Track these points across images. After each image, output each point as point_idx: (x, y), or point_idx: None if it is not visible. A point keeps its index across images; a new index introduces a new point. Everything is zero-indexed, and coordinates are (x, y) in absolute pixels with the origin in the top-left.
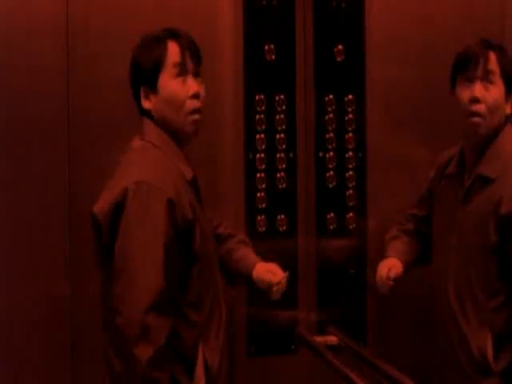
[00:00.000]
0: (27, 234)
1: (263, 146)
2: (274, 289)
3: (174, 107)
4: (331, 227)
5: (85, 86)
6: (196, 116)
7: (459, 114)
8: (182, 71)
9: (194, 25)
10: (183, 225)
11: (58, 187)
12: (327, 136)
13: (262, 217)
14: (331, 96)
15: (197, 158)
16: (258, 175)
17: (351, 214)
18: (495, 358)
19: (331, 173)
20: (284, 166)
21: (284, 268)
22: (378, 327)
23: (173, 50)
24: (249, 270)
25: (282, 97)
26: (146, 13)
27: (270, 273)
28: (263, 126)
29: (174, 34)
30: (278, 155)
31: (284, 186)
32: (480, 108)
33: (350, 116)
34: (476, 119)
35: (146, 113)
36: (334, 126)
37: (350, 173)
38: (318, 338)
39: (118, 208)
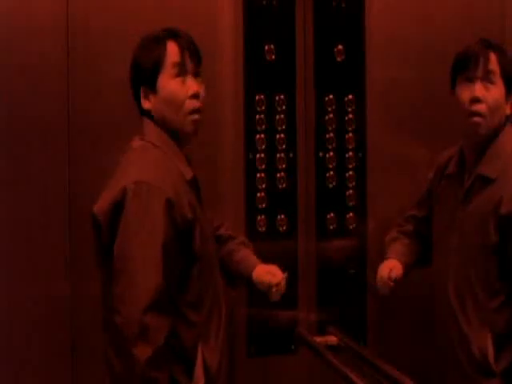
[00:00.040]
0: (27, 234)
1: (263, 146)
2: (273, 290)
3: (173, 107)
4: (331, 227)
5: (85, 85)
6: (195, 116)
7: (459, 113)
8: (181, 71)
9: (193, 25)
10: (182, 225)
11: (58, 187)
12: (327, 136)
13: (262, 217)
14: (331, 96)
15: (197, 158)
16: (258, 175)
17: (351, 214)
18: (496, 358)
19: (331, 173)
20: (284, 166)
21: (284, 268)
22: (377, 327)
23: (172, 50)
24: (249, 271)
25: (281, 97)
26: (146, 13)
27: (269, 274)
28: (263, 126)
29: (173, 34)
30: (277, 155)
31: (284, 186)
32: (480, 108)
33: (350, 116)
34: (476, 119)
35: (145, 113)
36: (334, 126)
37: (350, 173)
38: (318, 338)
39: (118, 208)
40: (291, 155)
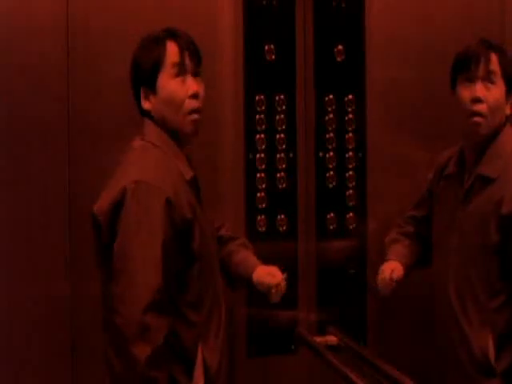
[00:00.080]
0: (27, 234)
1: (263, 146)
2: (273, 291)
3: (172, 107)
4: (331, 227)
5: (85, 85)
6: (195, 116)
7: (459, 114)
8: (180, 71)
9: (194, 25)
10: (182, 224)
11: (58, 187)
12: (327, 136)
13: (262, 217)
14: (331, 96)
15: (197, 158)
16: (258, 175)
17: (351, 214)
18: (496, 358)
19: (331, 173)
20: (284, 166)
21: (284, 268)
22: (377, 327)
23: (172, 50)
24: (249, 272)
25: (282, 97)
26: (146, 13)
27: (269, 275)
28: (263, 126)
29: (173, 34)
30: (277, 155)
31: (284, 186)
32: (481, 108)
33: (350, 116)
34: (477, 119)
35: (146, 113)
36: (334, 126)
37: (350, 173)
38: (318, 338)
39: (117, 207)
40: (291, 155)
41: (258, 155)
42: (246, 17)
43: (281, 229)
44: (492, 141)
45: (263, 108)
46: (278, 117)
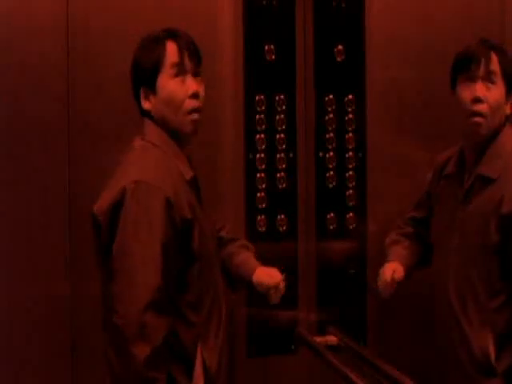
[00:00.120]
0: (27, 234)
1: (263, 146)
2: (272, 292)
3: (172, 107)
4: (331, 227)
5: (85, 86)
6: (195, 115)
7: (459, 114)
8: (180, 71)
9: (194, 25)
10: (182, 224)
11: (58, 187)
12: (327, 136)
13: (262, 217)
14: (331, 96)
15: (197, 158)
16: (258, 175)
17: (351, 214)
18: (497, 357)
19: (331, 173)
20: (284, 166)
21: (284, 268)
22: (378, 327)
23: (171, 50)
24: (249, 274)
25: (281, 97)
26: (146, 13)
27: (268, 276)
28: (263, 126)
29: (172, 34)
30: (277, 155)
31: (284, 186)
32: (482, 108)
33: (350, 116)
34: (477, 119)
35: (146, 113)
36: (334, 126)
37: (350, 173)
38: (318, 338)
39: (117, 207)
40: (291, 155)
41: (257, 155)
42: (246, 17)
43: (281, 229)
44: (492, 141)
45: (263, 108)
46: (277, 117)
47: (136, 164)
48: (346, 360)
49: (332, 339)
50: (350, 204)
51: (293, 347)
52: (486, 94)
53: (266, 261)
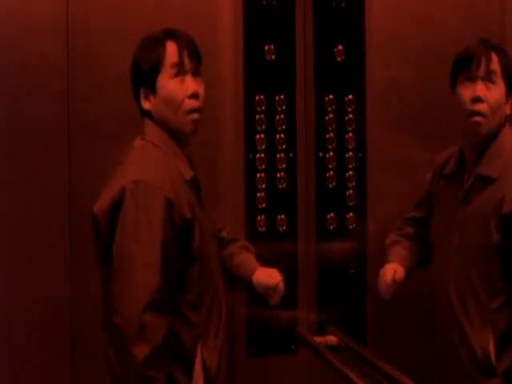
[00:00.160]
0: (27, 234)
1: (263, 146)
2: (271, 293)
3: (172, 107)
4: (331, 227)
5: (85, 85)
6: (195, 115)
7: (459, 113)
8: (180, 71)
9: (194, 25)
10: (181, 224)
11: (58, 187)
12: (327, 136)
13: (262, 217)
14: (331, 96)
15: (197, 158)
16: (258, 175)
17: (351, 214)
18: (497, 357)
19: (331, 173)
20: (284, 166)
21: (284, 269)
22: (377, 327)
23: (171, 50)
24: (249, 275)
25: (282, 97)
26: (146, 13)
27: (268, 277)
28: (263, 126)
29: (172, 35)
30: (277, 155)
31: (284, 186)
32: (482, 107)
33: (350, 116)
34: (478, 118)
35: (146, 113)
36: (334, 126)
37: (350, 173)
38: (318, 338)
39: (117, 207)
40: (291, 155)
41: (257, 155)
42: (246, 17)
43: (281, 229)
44: (492, 141)
45: (263, 108)
46: (278, 117)
47: (136, 164)
48: (346, 360)
49: (332, 339)
50: (350, 204)
51: (293, 347)
52: (487, 93)
53: (265, 261)
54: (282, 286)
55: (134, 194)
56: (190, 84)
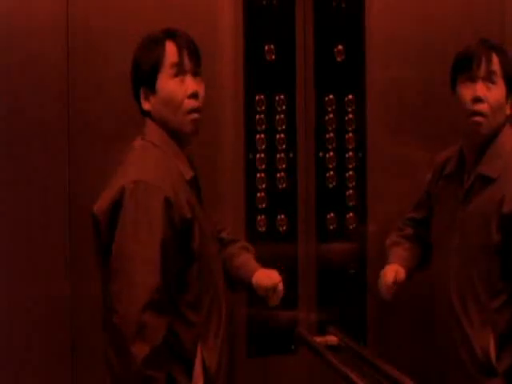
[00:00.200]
0: (27, 234)
1: (263, 146)
2: (270, 293)
3: (171, 107)
4: (331, 227)
5: (85, 86)
6: (195, 115)
7: (459, 113)
8: (179, 71)
9: (194, 25)
10: (181, 224)
11: (58, 187)
12: (327, 136)
13: (262, 217)
14: (331, 96)
15: (197, 158)
16: (258, 175)
17: (351, 214)
18: (498, 357)
19: (331, 173)
20: (284, 166)
21: (284, 268)
22: (377, 327)
23: (170, 50)
24: (248, 276)
25: (281, 97)
26: (146, 13)
27: (267, 278)
28: (263, 126)
29: (172, 35)
30: (277, 155)
31: (284, 186)
32: (483, 107)
33: (350, 116)
34: (478, 118)
35: (146, 113)
36: (334, 126)
37: (350, 173)
38: (318, 338)
39: (116, 207)
40: (291, 155)
41: (257, 155)
42: (246, 17)
43: (281, 229)
44: (492, 141)
45: (263, 108)
46: (277, 117)
47: (136, 164)
48: (345, 360)
49: (332, 339)
50: (350, 204)
51: (293, 347)
52: (487, 93)
53: (265, 261)
54: (281, 286)
55: (134, 193)
56: (190, 84)
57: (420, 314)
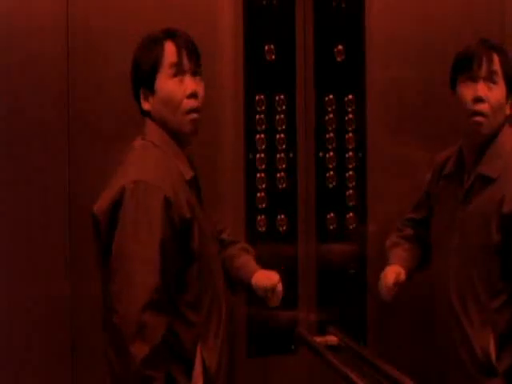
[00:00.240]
0: (27, 234)
1: (263, 146)
2: (269, 294)
3: (170, 107)
4: (331, 227)
5: (85, 86)
6: (194, 115)
7: (459, 113)
8: (178, 71)
9: (194, 25)
10: (180, 224)
11: (58, 187)
12: (327, 136)
13: (262, 217)
14: (331, 96)
15: (197, 158)
16: (258, 175)
17: (351, 214)
18: (498, 357)
19: (331, 173)
20: (284, 166)
21: (284, 268)
22: (377, 327)
23: (169, 50)
24: (248, 277)
25: (282, 97)
26: (146, 13)
27: (266, 279)
28: (263, 126)
29: (171, 34)
30: (277, 155)
31: (284, 186)
32: (483, 107)
33: (350, 116)
34: (479, 118)
35: (146, 114)
36: (334, 126)
37: (350, 173)
38: (318, 338)
39: (116, 207)
40: (291, 155)
41: (257, 155)
42: (246, 17)
43: (281, 229)
44: (492, 141)
45: (263, 108)
46: (277, 117)
47: (136, 164)
48: (345, 360)
49: (332, 339)
50: (350, 204)
51: (293, 347)
52: (488, 93)
53: (265, 261)
54: (280, 287)
55: (134, 193)
56: (189, 84)
57: (420, 314)
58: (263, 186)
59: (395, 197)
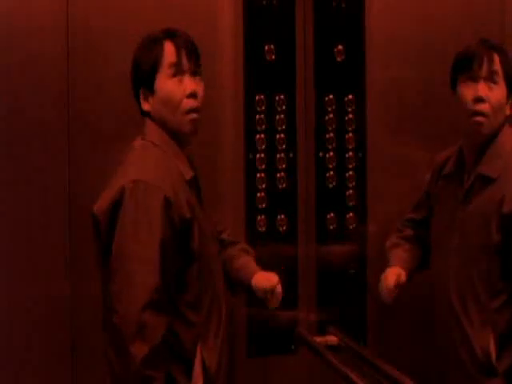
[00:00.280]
0: (27, 234)
1: (263, 146)
2: (269, 296)
3: (170, 107)
4: (331, 227)
5: (85, 86)
6: (193, 115)
7: (459, 113)
8: (178, 71)
9: (194, 25)
10: (180, 224)
11: (58, 187)
12: (327, 136)
13: (262, 217)
14: (331, 96)
15: (197, 158)
16: (258, 175)
17: (351, 214)
18: (498, 357)
19: (331, 173)
20: (284, 166)
21: (284, 269)
22: (377, 327)
23: (169, 50)
24: (248, 278)
25: (281, 97)
26: (146, 13)
27: (266, 280)
28: (263, 126)
29: (171, 34)
30: (277, 155)
31: (284, 186)
32: (484, 107)
33: (350, 116)
34: (479, 118)
35: (146, 114)
36: (334, 126)
37: (350, 173)
38: (318, 338)
39: (116, 207)
40: (291, 155)
41: (257, 155)
42: (246, 17)
43: (281, 229)
44: (492, 141)
45: (263, 108)
46: (277, 117)
47: (135, 164)
48: (345, 360)
49: (332, 339)
50: (350, 204)
51: (293, 347)
52: (488, 93)
53: (265, 261)
54: (279, 288)
55: (134, 193)
56: (188, 84)
57: (420, 314)
58: (263, 186)
59: (395, 197)
